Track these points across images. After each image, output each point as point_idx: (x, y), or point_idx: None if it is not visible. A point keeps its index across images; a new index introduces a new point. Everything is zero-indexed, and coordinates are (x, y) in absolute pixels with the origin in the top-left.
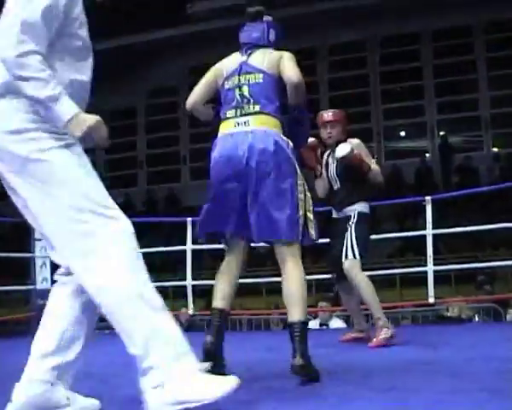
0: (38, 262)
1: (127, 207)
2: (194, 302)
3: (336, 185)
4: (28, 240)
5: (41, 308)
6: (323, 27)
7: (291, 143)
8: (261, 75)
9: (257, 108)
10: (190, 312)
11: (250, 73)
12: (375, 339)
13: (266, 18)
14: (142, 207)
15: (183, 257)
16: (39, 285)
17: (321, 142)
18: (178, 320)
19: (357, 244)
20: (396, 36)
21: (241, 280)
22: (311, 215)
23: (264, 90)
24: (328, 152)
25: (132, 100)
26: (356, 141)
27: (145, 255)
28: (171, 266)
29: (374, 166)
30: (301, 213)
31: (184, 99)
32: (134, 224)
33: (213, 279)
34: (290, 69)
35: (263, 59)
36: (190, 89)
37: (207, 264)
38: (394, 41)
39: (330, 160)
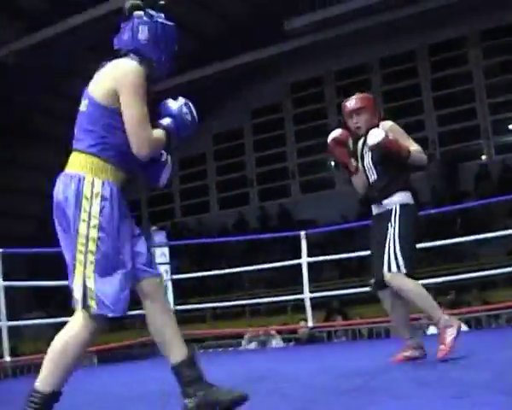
0: None
1: (241, 226)
2: (312, 315)
3: (373, 177)
4: None
5: None
6: (374, 42)
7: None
8: (86, 102)
9: (75, 144)
10: (310, 324)
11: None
12: (442, 346)
13: (138, 13)
14: (255, 225)
15: (299, 271)
16: None
17: (351, 133)
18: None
19: (403, 253)
20: (444, 42)
21: (357, 290)
22: (91, 284)
23: (85, 122)
24: (361, 142)
25: (238, 121)
26: (389, 123)
27: (262, 271)
28: (288, 281)
29: (413, 148)
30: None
31: (289, 115)
32: (249, 241)
33: (331, 290)
34: (129, 118)
35: (100, 78)
36: (294, 104)
37: (324, 276)
38: (443, 48)
39: (365, 149)
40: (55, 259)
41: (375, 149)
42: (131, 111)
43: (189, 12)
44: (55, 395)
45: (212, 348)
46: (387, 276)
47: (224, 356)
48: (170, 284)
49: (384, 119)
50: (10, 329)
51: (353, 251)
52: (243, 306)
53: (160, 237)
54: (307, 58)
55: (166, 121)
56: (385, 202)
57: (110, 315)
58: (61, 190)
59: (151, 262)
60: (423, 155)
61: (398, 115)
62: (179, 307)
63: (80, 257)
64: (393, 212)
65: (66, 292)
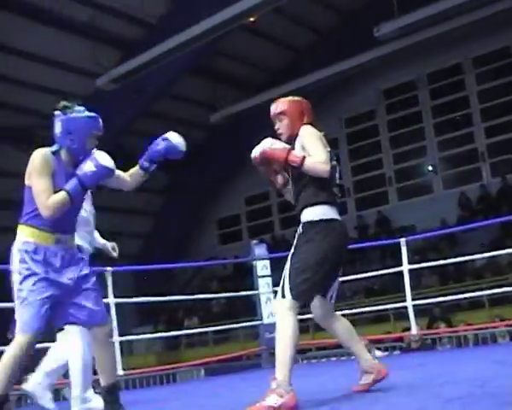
0: (263, 298)
1: None
2: (415, 323)
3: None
4: (251, 278)
5: (269, 342)
6: (467, 41)
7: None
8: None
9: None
10: (414, 332)
11: None
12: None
13: (56, 112)
14: (353, 234)
15: (398, 278)
16: (266, 320)
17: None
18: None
19: (290, 280)
20: None
21: (459, 296)
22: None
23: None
24: None
25: (331, 131)
26: (303, 129)
27: (361, 280)
28: (388, 289)
29: (313, 159)
30: None
31: (383, 121)
32: (348, 250)
33: (431, 297)
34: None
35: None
36: (387, 111)
37: (424, 283)
38: None
39: None
40: (159, 276)
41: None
42: (34, 186)
43: (280, 26)
44: None
45: (317, 358)
46: (274, 303)
47: (328, 366)
48: (272, 297)
49: (309, 123)
50: (122, 344)
51: (454, 256)
52: (344, 315)
53: (260, 250)
54: (399, 63)
55: (70, 184)
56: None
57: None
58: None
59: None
60: (320, 167)
61: (495, 114)
62: None
63: None
64: (297, 233)
65: (172, 308)
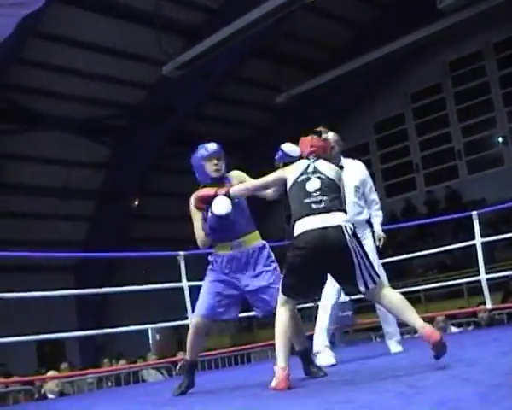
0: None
1: (409, 212)
2: (490, 297)
3: None
4: None
5: (342, 321)
6: (486, 28)
7: None
8: None
9: None
10: (488, 307)
11: None
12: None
13: None
14: (423, 210)
15: (470, 253)
16: (341, 298)
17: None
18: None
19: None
20: None
21: None
22: None
23: None
24: None
25: (397, 107)
26: (233, 174)
27: (432, 256)
28: (460, 264)
29: (237, 187)
30: None
31: (450, 95)
32: (418, 227)
33: (506, 270)
34: None
35: None
36: (454, 83)
37: (497, 256)
38: None
39: None
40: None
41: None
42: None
43: (341, 3)
44: None
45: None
46: None
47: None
48: None
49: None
50: None
51: None
52: (418, 291)
53: None
54: (464, 34)
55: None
56: None
57: None
58: None
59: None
60: (242, 188)
61: None
62: (354, 297)
63: None
64: None
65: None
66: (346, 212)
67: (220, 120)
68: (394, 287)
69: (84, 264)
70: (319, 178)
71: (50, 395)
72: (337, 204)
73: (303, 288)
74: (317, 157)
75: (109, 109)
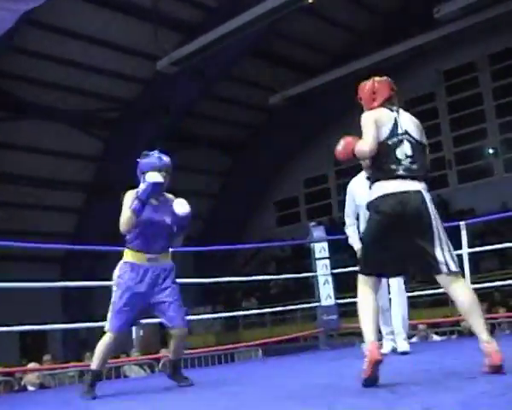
0: (321, 280)
1: None
2: None
3: None
4: (309, 260)
5: (327, 324)
6: (482, 39)
7: None
8: None
9: None
10: None
11: None
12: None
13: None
14: None
15: (458, 262)
16: (324, 302)
17: None
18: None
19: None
20: None
21: None
22: None
23: None
24: None
25: None
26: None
27: None
28: None
29: (357, 144)
30: None
31: (443, 104)
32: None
33: (491, 282)
34: None
35: None
36: (447, 92)
37: (483, 266)
38: None
39: None
40: (218, 257)
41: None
42: None
43: (339, 7)
44: None
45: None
46: None
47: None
48: (330, 279)
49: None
50: None
51: None
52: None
53: (318, 232)
54: (459, 44)
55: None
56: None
57: None
58: None
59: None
60: (361, 149)
61: None
62: (340, 301)
63: None
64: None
65: (230, 289)
66: (427, 180)
67: (213, 118)
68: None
69: (72, 256)
70: (410, 142)
71: (30, 387)
72: (423, 172)
73: (382, 258)
74: (398, 106)
75: (102, 102)
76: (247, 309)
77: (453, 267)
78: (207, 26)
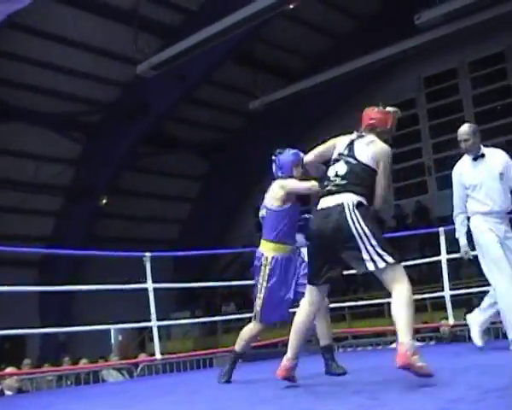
0: None
1: None
2: (453, 313)
3: None
4: None
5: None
6: (462, 46)
7: None
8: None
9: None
10: (451, 322)
11: None
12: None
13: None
14: (391, 223)
15: (437, 268)
16: None
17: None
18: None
19: None
20: None
21: None
22: None
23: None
24: None
25: None
26: None
27: None
28: (426, 278)
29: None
30: None
31: (423, 110)
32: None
33: (471, 288)
34: None
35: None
36: (427, 99)
37: (463, 273)
38: None
39: None
40: (198, 262)
41: None
42: None
43: (320, 12)
44: None
45: (352, 346)
46: None
47: (363, 355)
48: None
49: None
50: (160, 328)
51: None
52: (381, 304)
53: (298, 237)
54: (440, 51)
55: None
56: None
57: None
58: None
59: None
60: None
61: None
62: None
63: None
64: None
65: (210, 294)
66: (363, 194)
67: (193, 123)
68: (358, 299)
69: (50, 260)
70: (348, 163)
71: (8, 392)
72: (352, 186)
73: (322, 270)
74: (370, 131)
75: (82, 105)
76: (227, 314)
77: (381, 263)
78: (188, 31)
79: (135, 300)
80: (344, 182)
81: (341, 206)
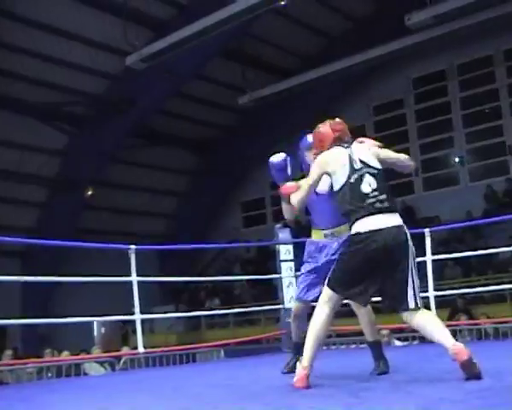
0: (285, 282)
1: None
2: (436, 314)
3: None
4: (274, 262)
5: (290, 326)
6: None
7: None
8: None
9: None
10: None
11: None
12: None
13: None
14: None
15: (422, 268)
16: (287, 304)
17: None
18: None
19: None
20: None
21: (483, 289)
22: None
23: None
24: None
25: (359, 118)
26: None
27: None
28: None
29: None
30: None
31: (411, 111)
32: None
33: (454, 289)
34: None
35: None
36: (416, 100)
37: (447, 274)
38: None
39: None
40: (183, 256)
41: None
42: None
43: (312, 11)
44: None
45: (336, 344)
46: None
47: (347, 353)
48: (294, 281)
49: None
50: (143, 322)
51: (478, 249)
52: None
53: (284, 234)
54: (429, 53)
55: None
56: None
57: None
58: None
59: None
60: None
61: None
62: None
63: None
64: None
65: (194, 289)
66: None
67: (182, 117)
68: None
69: (33, 251)
70: (371, 174)
71: None
72: (393, 205)
73: (354, 286)
74: (348, 142)
75: (69, 96)
76: (211, 309)
77: (412, 304)
78: (178, 24)
79: (119, 293)
80: (384, 197)
81: (403, 229)
